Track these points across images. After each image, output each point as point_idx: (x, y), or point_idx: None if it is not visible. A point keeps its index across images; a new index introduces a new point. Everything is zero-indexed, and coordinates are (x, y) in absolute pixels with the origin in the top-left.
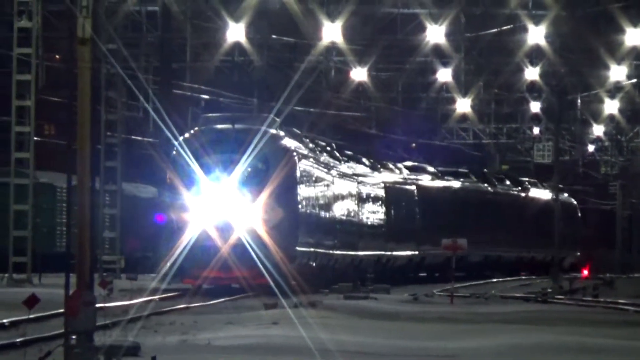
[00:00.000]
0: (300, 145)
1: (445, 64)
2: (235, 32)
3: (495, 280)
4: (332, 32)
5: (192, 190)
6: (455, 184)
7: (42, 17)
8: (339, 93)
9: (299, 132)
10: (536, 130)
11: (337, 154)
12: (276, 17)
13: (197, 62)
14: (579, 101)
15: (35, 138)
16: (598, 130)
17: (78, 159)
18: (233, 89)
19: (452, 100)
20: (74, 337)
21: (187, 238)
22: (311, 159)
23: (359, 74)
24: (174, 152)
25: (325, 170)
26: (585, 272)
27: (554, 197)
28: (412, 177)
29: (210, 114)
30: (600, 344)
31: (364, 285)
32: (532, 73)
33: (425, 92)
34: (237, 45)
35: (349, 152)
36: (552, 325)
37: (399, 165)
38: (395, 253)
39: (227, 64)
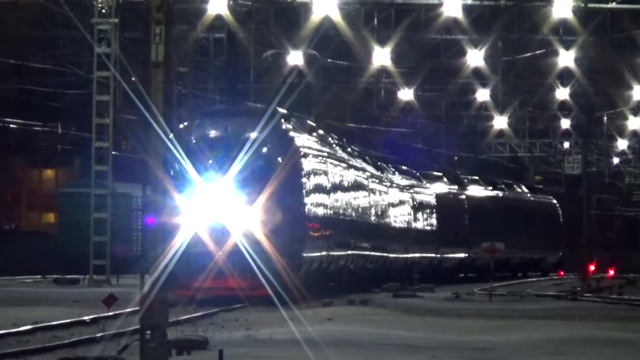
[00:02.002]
0: (318, 143)
1: (484, 85)
2: (295, 57)
3: (530, 279)
4: (382, 56)
5: (185, 191)
6: (499, 193)
7: (119, 43)
8: (388, 111)
9: (323, 133)
10: (566, 145)
11: (369, 160)
12: (332, 43)
13: (260, 83)
14: (605, 118)
15: (113, 152)
16: (622, 144)
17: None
18: (293, 108)
19: (491, 118)
20: (148, 332)
21: (179, 244)
22: (326, 157)
23: (406, 94)
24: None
25: (363, 176)
26: (612, 272)
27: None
28: (460, 187)
29: (209, 107)
30: (625, 337)
31: (411, 285)
32: (562, 93)
33: (466, 110)
34: (295, 69)
35: (403, 167)
36: (581, 321)
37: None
38: (446, 256)
39: (290, 87)
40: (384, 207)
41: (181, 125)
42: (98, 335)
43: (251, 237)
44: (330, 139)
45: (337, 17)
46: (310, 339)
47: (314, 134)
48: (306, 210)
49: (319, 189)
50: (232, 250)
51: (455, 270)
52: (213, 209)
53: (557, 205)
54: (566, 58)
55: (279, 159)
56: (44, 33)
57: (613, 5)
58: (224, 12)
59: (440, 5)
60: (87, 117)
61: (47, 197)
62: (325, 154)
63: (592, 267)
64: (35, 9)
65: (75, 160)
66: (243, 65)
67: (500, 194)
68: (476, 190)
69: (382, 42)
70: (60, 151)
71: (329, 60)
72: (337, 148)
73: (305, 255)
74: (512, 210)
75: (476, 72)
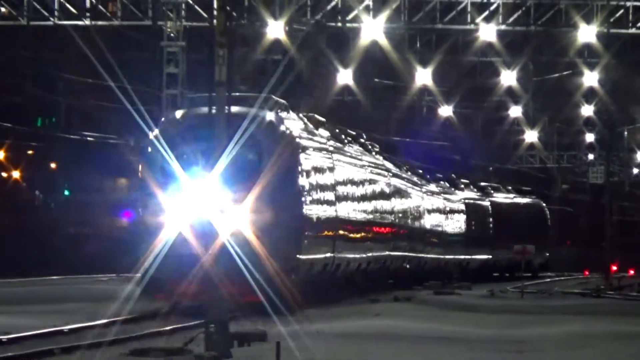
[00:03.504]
0: (328, 139)
1: (516, 103)
2: (345, 76)
3: (557, 279)
4: (424, 76)
5: (167, 187)
6: (521, 200)
7: (186, 64)
8: (429, 126)
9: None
10: (591, 157)
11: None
12: (378, 64)
13: (313, 100)
14: (625, 133)
15: None
16: None
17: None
18: (344, 124)
19: (522, 132)
20: (212, 325)
21: (160, 245)
22: (340, 155)
23: (446, 110)
24: (148, 142)
25: (396, 181)
26: (631, 272)
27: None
28: (485, 194)
29: (196, 94)
30: None
31: (450, 283)
32: (587, 110)
33: (499, 126)
34: (346, 87)
35: (438, 175)
36: (604, 316)
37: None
38: (473, 257)
39: (338, 102)
40: (415, 211)
41: (163, 120)
42: (167, 328)
43: (241, 237)
44: (344, 136)
45: (383, 40)
46: (362, 332)
47: (322, 129)
48: (304, 208)
49: (321, 186)
50: (219, 252)
51: (481, 270)
52: (199, 206)
53: (545, 207)
54: (590, 78)
55: (273, 152)
56: (119, 54)
57: (633, 30)
58: (282, 36)
59: (476, 30)
60: None
61: (121, 204)
62: (340, 152)
63: (614, 268)
64: (111, 33)
65: None
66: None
67: (519, 200)
68: (499, 197)
69: (424, 64)
70: (132, 162)
71: (376, 79)
72: (364, 151)
73: (301, 257)
74: (520, 214)
75: (509, 91)
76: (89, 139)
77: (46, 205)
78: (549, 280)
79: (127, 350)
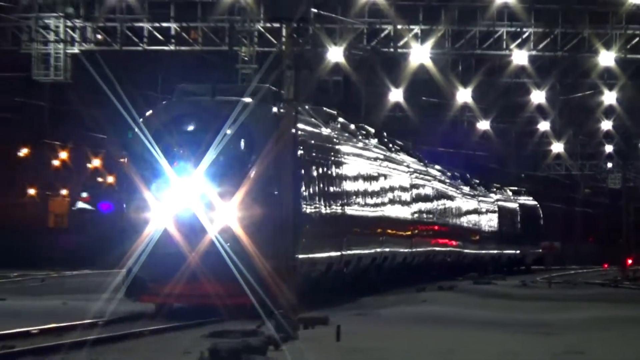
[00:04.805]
0: (340, 134)
1: (545, 118)
2: (396, 94)
3: (580, 270)
4: (464, 95)
5: (152, 182)
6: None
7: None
8: (469, 138)
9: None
10: (609, 165)
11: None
12: (425, 84)
13: (369, 116)
14: None
15: None
16: None
17: (283, 188)
18: (395, 136)
19: (550, 144)
20: (280, 311)
21: (145, 243)
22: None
23: (484, 125)
24: (132, 134)
25: (432, 185)
26: None
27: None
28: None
29: (188, 84)
30: None
31: (486, 275)
32: (607, 125)
33: (530, 138)
34: (397, 104)
35: (475, 180)
36: (622, 303)
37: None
38: (504, 252)
39: (390, 118)
40: (455, 211)
41: (149, 112)
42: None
43: (230, 234)
44: (364, 132)
45: (429, 64)
46: (413, 317)
47: (333, 123)
48: (304, 203)
49: (325, 180)
50: (207, 251)
51: (510, 264)
52: (185, 201)
53: (538, 206)
54: (610, 97)
55: (266, 142)
56: (200, 76)
57: None
58: (341, 60)
59: (510, 55)
60: None
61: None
62: (354, 147)
63: (629, 261)
64: (192, 58)
65: None
66: (355, 103)
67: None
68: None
69: (465, 84)
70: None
71: (423, 98)
72: (395, 153)
73: (300, 256)
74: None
75: (539, 108)
76: None
77: None
78: (573, 272)
79: (207, 332)
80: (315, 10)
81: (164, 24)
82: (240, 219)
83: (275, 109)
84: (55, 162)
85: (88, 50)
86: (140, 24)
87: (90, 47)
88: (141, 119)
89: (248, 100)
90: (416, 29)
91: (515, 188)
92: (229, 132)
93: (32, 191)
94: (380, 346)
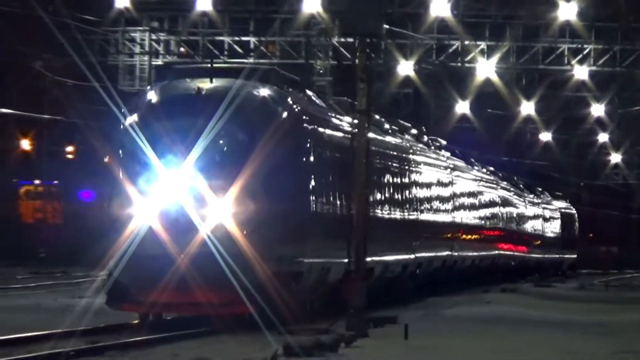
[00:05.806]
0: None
1: (604, 130)
2: (463, 106)
3: (636, 274)
4: (528, 107)
5: (138, 175)
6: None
7: (332, 96)
8: (532, 148)
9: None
10: None
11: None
12: (491, 97)
13: (437, 127)
14: None
15: None
16: None
17: (357, 198)
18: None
19: (608, 154)
20: (352, 310)
21: (127, 244)
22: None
23: (546, 136)
24: (119, 123)
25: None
26: None
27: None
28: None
29: (184, 66)
30: None
31: (547, 277)
32: None
33: (590, 149)
34: (463, 116)
35: (538, 188)
36: None
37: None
38: (564, 256)
39: (457, 128)
40: (520, 218)
41: (138, 97)
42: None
43: (224, 234)
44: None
45: (495, 78)
46: (478, 316)
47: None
48: (312, 200)
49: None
50: (198, 253)
51: (569, 267)
52: (174, 196)
53: (575, 212)
54: None
55: (269, 132)
56: None
57: None
58: (411, 73)
59: (571, 70)
60: None
61: None
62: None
63: None
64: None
65: None
66: (426, 113)
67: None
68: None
69: (528, 97)
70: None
71: (489, 110)
72: (442, 156)
73: (307, 261)
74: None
75: (598, 120)
76: None
77: None
78: (629, 275)
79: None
80: (387, 27)
81: (244, 38)
82: (234, 215)
83: (284, 96)
84: None
85: (171, 62)
86: (221, 38)
87: (174, 59)
88: (128, 105)
89: (247, 83)
90: (482, 44)
91: (559, 194)
92: (224, 118)
93: None
94: (445, 344)
